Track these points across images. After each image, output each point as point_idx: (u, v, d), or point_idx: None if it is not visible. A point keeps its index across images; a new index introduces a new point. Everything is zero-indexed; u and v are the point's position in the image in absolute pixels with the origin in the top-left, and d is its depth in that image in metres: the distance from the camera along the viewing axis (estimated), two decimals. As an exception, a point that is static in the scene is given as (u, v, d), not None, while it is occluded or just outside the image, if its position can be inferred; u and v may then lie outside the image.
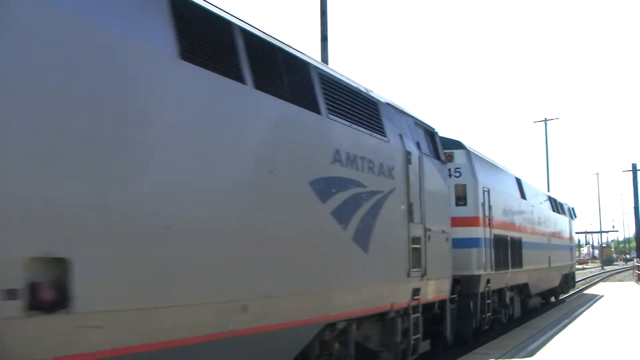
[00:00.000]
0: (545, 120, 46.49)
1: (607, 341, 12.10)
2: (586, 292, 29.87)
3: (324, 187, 6.93)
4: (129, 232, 4.45)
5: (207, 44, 5.53)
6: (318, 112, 7.07)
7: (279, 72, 6.56)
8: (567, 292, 27.00)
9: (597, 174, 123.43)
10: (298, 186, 6.53)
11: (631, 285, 33.39)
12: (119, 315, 4.33)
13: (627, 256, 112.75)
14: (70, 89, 4.14)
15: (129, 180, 4.51)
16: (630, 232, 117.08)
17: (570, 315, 16.87)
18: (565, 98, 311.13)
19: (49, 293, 3.90)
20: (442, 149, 11.50)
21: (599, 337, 12.64)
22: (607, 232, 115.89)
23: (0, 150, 3.67)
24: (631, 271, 51.01)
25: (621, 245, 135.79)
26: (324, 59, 14.54)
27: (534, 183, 20.92)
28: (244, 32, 6.16)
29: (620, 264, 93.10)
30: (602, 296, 24.87)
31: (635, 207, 45.27)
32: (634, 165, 44.68)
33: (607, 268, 71.41)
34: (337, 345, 7.40)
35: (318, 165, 6.92)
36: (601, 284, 37.90)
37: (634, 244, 71.25)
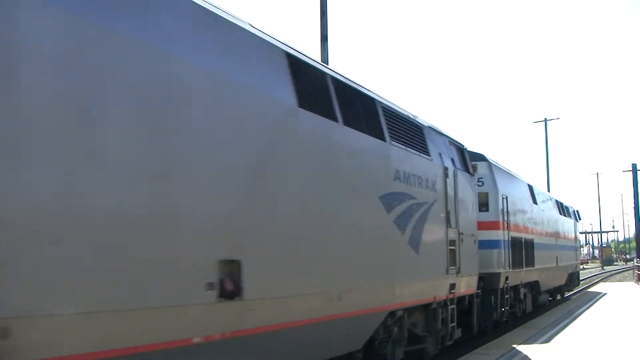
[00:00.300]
0: (545, 120, 46.60)
1: (608, 335, 13.74)
2: (588, 290, 31.50)
3: (389, 201, 8.59)
4: (276, 244, 6.09)
5: (313, 93, 7.17)
6: (383, 139, 8.72)
7: (357, 109, 8.20)
8: (572, 290, 28.69)
9: (597, 174, 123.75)
10: (372, 201, 8.17)
11: (631, 285, 34.58)
12: (269, 302, 5.97)
13: (627, 256, 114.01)
14: (239, 138, 5.78)
15: (276, 203, 6.16)
16: (631, 232, 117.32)
17: (572, 314, 18.41)
18: (565, 98, 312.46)
19: (230, 285, 5.53)
20: (470, 162, 13.14)
21: (601, 332, 14.25)
22: (607, 232, 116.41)
23: (205, 192, 5.28)
24: (631, 271, 51.66)
25: (621, 245, 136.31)
26: (324, 59, 14.70)
27: (543, 189, 22.44)
28: (333, 79, 7.80)
29: (620, 264, 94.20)
30: (605, 294, 26.56)
31: (636, 207, 45.36)
32: (634, 166, 44.86)
33: (607, 268, 72.73)
34: (395, 329, 9.04)
35: (384, 182, 8.57)
36: (601, 284, 38.95)
37: (634, 244, 72.02)
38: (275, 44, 6.71)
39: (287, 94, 6.61)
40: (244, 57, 6.05)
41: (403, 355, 9.33)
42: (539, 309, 20.30)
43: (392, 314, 8.81)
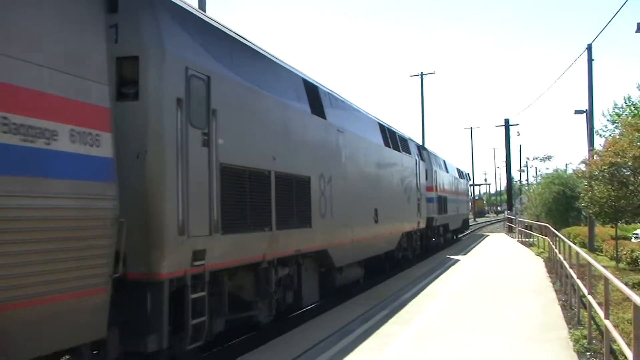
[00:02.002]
0: (422, 74, 47.13)
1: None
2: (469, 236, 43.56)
3: (402, 181, 18.66)
4: (381, 204, 15.99)
5: (391, 138, 17.02)
6: (402, 150, 18.73)
7: (395, 139, 18.12)
8: (464, 232, 40.58)
9: (471, 128, 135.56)
10: (400, 194, 18.22)
11: (502, 235, 40.24)
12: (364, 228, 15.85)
13: (498, 208, 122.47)
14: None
15: (368, 187, 16.10)
16: (502, 185, 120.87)
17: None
18: (443, 54, 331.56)
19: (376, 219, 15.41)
20: (423, 153, 23.51)
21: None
22: (479, 185, 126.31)
23: (361, 186, 15.06)
24: (502, 223, 55.63)
25: (493, 197, 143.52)
26: (202, 7, 15.88)
27: (418, 140, 31.99)
28: (390, 130, 17.68)
29: (491, 216, 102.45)
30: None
31: (507, 161, 47.36)
32: (506, 120, 46.71)
33: (479, 220, 79.59)
34: (404, 240, 19.29)
35: (400, 172, 18.62)
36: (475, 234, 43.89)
37: (505, 197, 74.60)
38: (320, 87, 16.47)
39: (378, 138, 16.33)
40: (301, 95, 12.99)
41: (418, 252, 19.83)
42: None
43: (404, 234, 19.03)
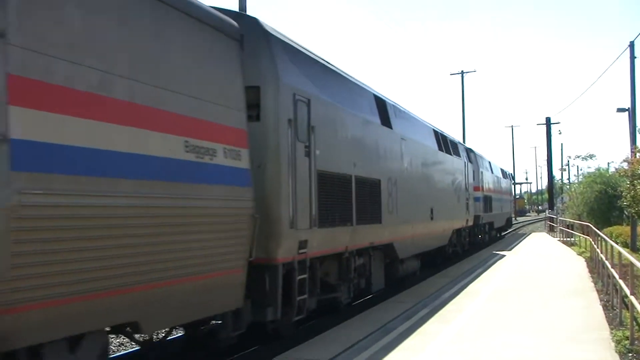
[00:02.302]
0: (462, 72, 46.79)
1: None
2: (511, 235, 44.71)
3: (453, 182, 20.25)
4: (418, 202, 17.63)
5: (445, 144, 18.65)
6: (454, 155, 20.32)
7: (447, 144, 19.75)
8: (508, 230, 41.80)
9: (512, 126, 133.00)
10: (452, 193, 19.83)
11: (543, 235, 40.14)
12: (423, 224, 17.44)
13: (540, 207, 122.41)
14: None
15: (428, 188, 17.75)
16: (543, 184, 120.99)
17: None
18: (483, 52, 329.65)
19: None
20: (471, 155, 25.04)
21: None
22: (520, 183, 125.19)
23: (420, 186, 16.74)
24: (543, 222, 54.90)
25: (534, 196, 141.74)
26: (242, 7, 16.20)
27: (459, 138, 33.02)
28: (442, 135, 19.29)
29: (532, 215, 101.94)
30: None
31: (548, 160, 46.80)
32: (547, 119, 46.19)
33: (520, 219, 79.18)
34: (455, 237, 20.88)
35: (453, 174, 20.21)
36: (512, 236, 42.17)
37: (546, 196, 73.87)
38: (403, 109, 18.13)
39: (377, 118, 17.95)
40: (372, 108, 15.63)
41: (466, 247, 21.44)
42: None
43: (454, 230, 20.62)
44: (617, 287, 11.00)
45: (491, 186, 31.00)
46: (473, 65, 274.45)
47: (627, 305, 10.27)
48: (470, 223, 24.22)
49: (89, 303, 5.24)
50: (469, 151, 25.25)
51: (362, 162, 11.71)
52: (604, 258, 14.62)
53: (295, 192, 8.87)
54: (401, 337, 9.39)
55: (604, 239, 15.37)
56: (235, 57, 7.78)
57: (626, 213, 29.86)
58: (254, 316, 8.39)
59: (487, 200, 29.08)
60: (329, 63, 11.36)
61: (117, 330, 6.49)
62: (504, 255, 22.90)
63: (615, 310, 11.33)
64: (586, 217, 36.93)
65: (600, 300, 12.83)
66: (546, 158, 47.39)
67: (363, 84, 13.19)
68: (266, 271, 8.59)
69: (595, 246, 18.49)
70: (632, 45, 26.70)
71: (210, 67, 7.21)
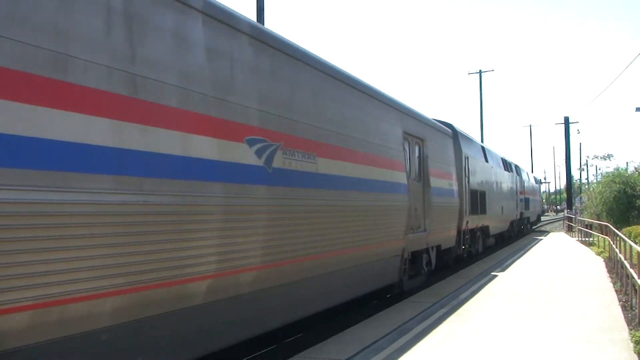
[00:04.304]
0: (480, 72, 47.57)
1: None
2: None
3: (506, 189, 32.04)
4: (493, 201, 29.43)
5: (492, 157, 30.45)
6: (511, 171, 32.06)
7: (507, 163, 31.53)
8: (537, 224, 53.59)
9: (530, 126, 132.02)
10: (512, 194, 31.59)
11: (561, 235, 40.49)
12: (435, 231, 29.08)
13: (558, 207, 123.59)
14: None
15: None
16: (562, 184, 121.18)
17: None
18: (501, 52, 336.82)
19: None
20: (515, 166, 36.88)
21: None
22: (538, 183, 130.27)
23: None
24: (561, 222, 54.63)
25: (552, 196, 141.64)
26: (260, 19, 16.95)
27: (478, 138, 35.03)
28: (487, 150, 31.05)
29: (551, 215, 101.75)
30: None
31: (567, 160, 46.69)
32: (566, 119, 46.37)
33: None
34: (510, 225, 32.62)
35: (509, 184, 31.96)
36: (529, 235, 42.20)
37: (564, 196, 73.16)
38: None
39: (500, 165, 29.62)
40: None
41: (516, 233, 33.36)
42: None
43: (511, 221, 32.41)
44: (636, 287, 11.07)
45: (528, 190, 42.63)
46: (491, 64, 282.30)
47: None
48: (518, 217, 35.84)
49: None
50: (516, 167, 36.79)
51: (486, 182, 23.68)
52: (622, 258, 14.72)
53: (463, 197, 20.51)
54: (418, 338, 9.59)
55: (623, 239, 15.44)
56: (451, 143, 19.53)
57: None
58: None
59: (527, 201, 40.68)
60: (474, 139, 23.54)
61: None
62: (521, 257, 24.10)
63: (634, 310, 11.35)
64: (605, 216, 36.28)
65: (619, 301, 12.90)
66: (564, 158, 46.98)
67: (486, 146, 25.45)
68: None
69: (614, 246, 18.70)
70: None
71: (448, 148, 18.87)
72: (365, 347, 8.89)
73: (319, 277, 9.54)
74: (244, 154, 7.30)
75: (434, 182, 16.00)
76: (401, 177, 13.52)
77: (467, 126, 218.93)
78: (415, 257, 14.93)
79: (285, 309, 8.70)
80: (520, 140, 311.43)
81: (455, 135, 20.15)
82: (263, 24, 14.43)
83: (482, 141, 41.13)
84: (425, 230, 15.17)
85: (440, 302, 12.90)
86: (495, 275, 17.58)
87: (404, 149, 13.83)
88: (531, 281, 16.24)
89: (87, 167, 5.23)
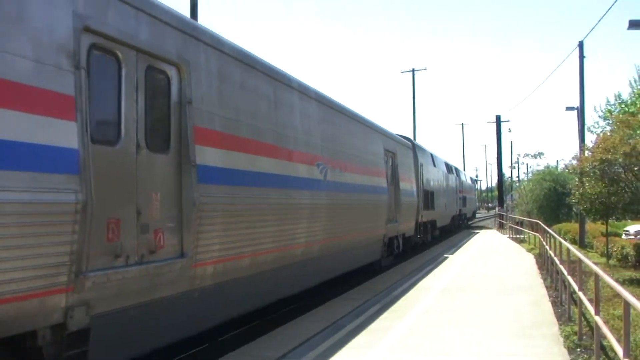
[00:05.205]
0: (413, 70, 48.98)
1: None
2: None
3: (452, 188, 37.98)
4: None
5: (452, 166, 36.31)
6: (452, 173, 37.97)
7: (450, 166, 37.43)
8: (473, 219, 60.14)
9: (462, 124, 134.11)
10: (453, 193, 37.50)
11: (493, 232, 42.35)
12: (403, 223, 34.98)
13: (490, 205, 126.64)
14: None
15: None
16: (493, 182, 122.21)
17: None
18: (434, 51, 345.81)
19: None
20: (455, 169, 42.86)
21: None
22: (474, 182, 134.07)
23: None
24: (493, 219, 56.45)
25: (484, 194, 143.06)
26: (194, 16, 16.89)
27: (410, 136, 51.10)
28: (447, 164, 36.92)
29: (483, 212, 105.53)
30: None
31: (498, 158, 48.49)
32: (497, 117, 48.15)
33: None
34: (452, 219, 38.60)
35: (450, 182, 37.92)
36: (465, 231, 43.86)
37: (496, 194, 75.63)
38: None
39: (444, 169, 35.43)
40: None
41: (455, 227, 39.40)
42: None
43: (452, 216, 38.28)
44: (566, 283, 11.30)
45: (466, 189, 48.78)
46: (425, 64, 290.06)
47: (575, 301, 10.53)
48: (458, 213, 41.79)
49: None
50: (456, 169, 42.71)
51: (434, 184, 29.29)
52: (552, 254, 14.95)
53: (419, 194, 25.92)
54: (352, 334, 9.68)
55: (553, 236, 15.64)
56: (411, 153, 24.93)
57: (575, 210, 30.81)
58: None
59: (464, 199, 46.79)
60: (426, 148, 29.05)
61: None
62: (453, 254, 24.80)
63: (564, 306, 11.57)
64: (535, 214, 37.51)
65: (550, 297, 13.18)
66: (496, 156, 48.12)
67: (434, 153, 31.25)
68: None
69: (544, 243, 19.18)
70: (581, 45, 27.71)
71: (409, 158, 24.28)
72: (300, 345, 9.04)
73: (340, 251, 14.60)
74: (315, 172, 12.39)
75: (402, 185, 21.30)
76: (384, 182, 18.83)
77: (401, 124, 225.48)
78: (390, 242, 20.21)
79: (318, 273, 13.37)
80: (454, 138, 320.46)
81: (413, 147, 25.60)
82: (196, 20, 14.57)
83: (414, 137, 42.26)
84: (397, 222, 20.48)
85: (375, 299, 13.43)
86: (431, 270, 18.90)
87: (385, 161, 19.12)
88: (465, 277, 16.89)
89: (263, 182, 10.03)
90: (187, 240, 7.59)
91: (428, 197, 27.91)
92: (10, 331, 5.31)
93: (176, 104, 7.61)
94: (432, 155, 31.67)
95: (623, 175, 17.83)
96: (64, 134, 5.70)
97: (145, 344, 7.20)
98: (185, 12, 13.58)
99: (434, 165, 31.22)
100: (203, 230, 7.87)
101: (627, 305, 6.03)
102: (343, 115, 15.19)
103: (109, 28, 6.47)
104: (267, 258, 10.08)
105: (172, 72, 7.57)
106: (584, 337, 9.21)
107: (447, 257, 22.16)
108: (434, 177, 30.52)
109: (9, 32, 5.30)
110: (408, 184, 22.85)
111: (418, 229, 25.73)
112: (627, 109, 32.78)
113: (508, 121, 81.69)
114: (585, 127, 29.65)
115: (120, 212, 6.55)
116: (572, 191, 21.10)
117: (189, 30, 8.03)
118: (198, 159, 7.79)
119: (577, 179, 21.02)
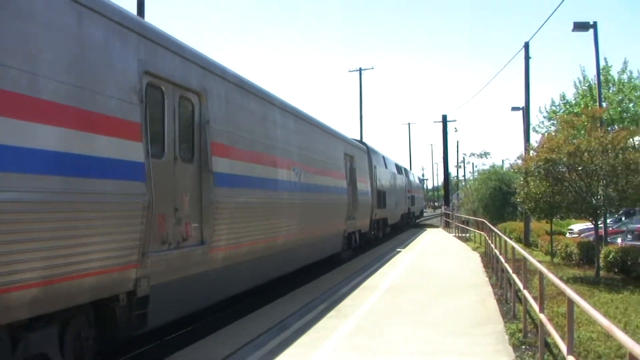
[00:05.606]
0: (360, 69, 49.44)
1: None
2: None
3: (400, 186, 40.72)
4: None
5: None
6: (402, 174, 40.72)
7: (400, 167, 40.13)
8: (420, 218, 63.24)
9: (409, 123, 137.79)
10: (403, 192, 40.24)
11: (439, 230, 43.71)
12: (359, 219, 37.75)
13: (436, 203, 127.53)
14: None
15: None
16: (439, 180, 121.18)
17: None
18: (382, 51, 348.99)
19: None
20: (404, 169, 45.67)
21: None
22: (421, 182, 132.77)
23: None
24: (439, 218, 57.27)
25: (430, 193, 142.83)
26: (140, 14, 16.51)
27: (357, 136, 53.93)
28: (397, 165, 39.62)
29: (429, 211, 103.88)
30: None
31: (444, 157, 49.38)
32: (444, 117, 48.80)
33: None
34: (401, 217, 41.38)
35: (398, 181, 40.67)
36: (413, 229, 44.80)
37: (442, 193, 74.10)
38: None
39: (394, 169, 38.14)
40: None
41: (406, 224, 42.12)
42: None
43: (402, 214, 41.02)
44: (511, 281, 11.44)
45: (414, 189, 51.71)
46: (373, 63, 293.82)
47: (520, 299, 10.66)
48: (407, 211, 44.54)
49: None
50: (405, 169, 45.49)
51: (386, 184, 31.85)
52: (498, 253, 15.11)
53: (373, 194, 28.46)
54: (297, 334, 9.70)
55: (498, 234, 15.77)
56: (366, 156, 27.43)
57: (520, 209, 30.70)
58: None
59: (413, 198, 49.67)
60: (379, 151, 31.57)
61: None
62: (399, 252, 25.28)
63: (509, 304, 11.74)
64: (481, 213, 37.74)
65: (495, 294, 13.38)
66: (442, 155, 48.62)
67: (386, 156, 33.99)
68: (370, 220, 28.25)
69: (489, 241, 19.42)
70: (527, 46, 27.91)
71: (365, 161, 26.77)
72: (246, 344, 9.11)
73: (309, 244, 16.93)
74: (292, 176, 14.68)
75: (359, 185, 23.79)
76: (344, 183, 21.30)
77: (348, 123, 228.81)
78: (349, 237, 22.64)
79: (294, 261, 15.74)
80: (401, 137, 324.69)
81: (368, 151, 28.12)
82: (143, 18, 15.37)
83: (361, 137, 43.33)
84: (354, 219, 22.95)
85: (321, 297, 13.53)
86: (378, 269, 19.20)
87: (344, 164, 21.54)
88: (411, 276, 17.12)
89: (257, 185, 12.34)
90: (206, 231, 9.72)
91: (380, 197, 30.44)
92: (103, 294, 7.39)
93: (198, 124, 9.79)
94: (384, 157, 34.24)
95: (567, 175, 18.07)
96: (136, 151, 7.73)
97: (182, 310, 9.41)
98: (132, 10, 14.64)
99: (386, 167, 33.83)
100: (217, 223, 10.01)
101: (571, 302, 6.12)
102: (312, 126, 17.60)
103: (158, 69, 8.62)
104: (259, 247, 12.55)
105: (195, 99, 9.73)
106: (529, 335, 9.30)
107: (397, 254, 24.53)
108: (386, 177, 33.11)
109: (104, 79, 7.42)
110: (364, 185, 25.31)
111: (372, 226, 28.14)
112: (571, 110, 33.78)
113: (454, 121, 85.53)
114: (531, 127, 30.15)
115: (165, 209, 8.61)
116: (517, 190, 21.14)
117: (205, 65, 10.27)
118: (214, 167, 9.99)
119: (522, 179, 21.15)
